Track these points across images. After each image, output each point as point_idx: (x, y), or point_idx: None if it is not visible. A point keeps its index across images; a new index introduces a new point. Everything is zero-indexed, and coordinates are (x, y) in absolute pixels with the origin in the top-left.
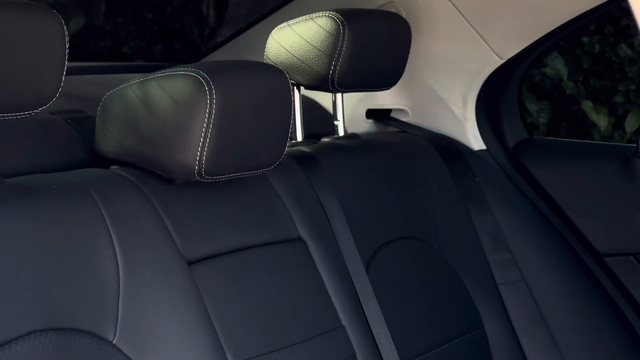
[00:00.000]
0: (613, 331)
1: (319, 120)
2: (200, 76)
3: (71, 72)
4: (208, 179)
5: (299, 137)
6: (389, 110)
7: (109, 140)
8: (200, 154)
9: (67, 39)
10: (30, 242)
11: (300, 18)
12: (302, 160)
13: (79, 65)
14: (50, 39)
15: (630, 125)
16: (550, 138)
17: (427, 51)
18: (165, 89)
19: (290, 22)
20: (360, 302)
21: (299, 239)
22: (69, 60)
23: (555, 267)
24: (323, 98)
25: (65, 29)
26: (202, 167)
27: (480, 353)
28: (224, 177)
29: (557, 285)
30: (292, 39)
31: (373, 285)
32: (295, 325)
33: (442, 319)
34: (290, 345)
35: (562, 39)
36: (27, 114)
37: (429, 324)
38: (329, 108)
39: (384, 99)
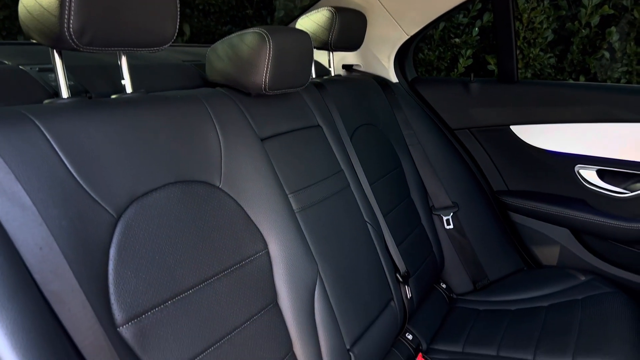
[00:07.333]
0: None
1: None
2: (264, 32)
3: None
4: (269, 92)
5: (313, 75)
6: (352, 65)
7: (214, 73)
8: (265, 78)
9: (177, 3)
10: (164, 129)
11: (315, 13)
12: (317, 85)
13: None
14: (167, 1)
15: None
16: (427, 77)
17: (369, 32)
18: (243, 41)
19: (310, 14)
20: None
21: (318, 125)
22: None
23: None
24: (320, 59)
25: None
26: (266, 85)
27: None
28: (278, 92)
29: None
30: (309, 24)
31: None
32: (319, 171)
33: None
34: (320, 180)
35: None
36: (155, 49)
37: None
38: (323, 63)
39: (350, 59)
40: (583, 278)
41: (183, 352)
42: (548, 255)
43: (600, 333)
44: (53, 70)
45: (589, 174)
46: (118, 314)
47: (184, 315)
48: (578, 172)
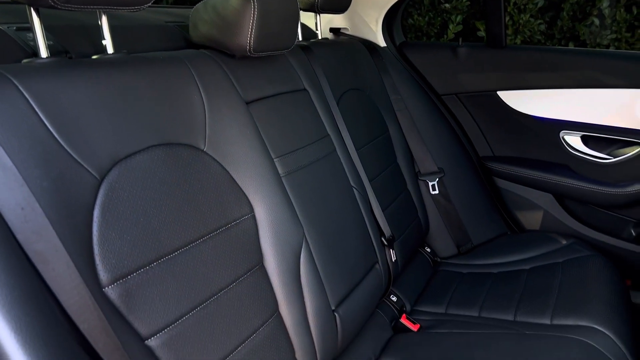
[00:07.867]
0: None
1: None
2: None
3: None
4: (254, 54)
5: (300, 38)
6: (339, 28)
7: (198, 34)
8: (249, 39)
9: None
10: (147, 91)
11: None
12: (304, 48)
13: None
14: None
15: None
16: (416, 41)
17: None
18: (227, 1)
19: None
20: None
21: (304, 89)
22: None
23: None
24: (306, 22)
25: None
26: (251, 47)
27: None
28: (263, 54)
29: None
30: None
31: None
32: (306, 136)
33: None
34: (306, 145)
35: None
36: (135, 9)
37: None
38: (310, 26)
39: (337, 22)
40: (564, 242)
41: (169, 312)
42: (531, 219)
43: (579, 294)
44: (31, 29)
45: (574, 140)
46: (103, 275)
47: (170, 276)
48: (563, 137)
